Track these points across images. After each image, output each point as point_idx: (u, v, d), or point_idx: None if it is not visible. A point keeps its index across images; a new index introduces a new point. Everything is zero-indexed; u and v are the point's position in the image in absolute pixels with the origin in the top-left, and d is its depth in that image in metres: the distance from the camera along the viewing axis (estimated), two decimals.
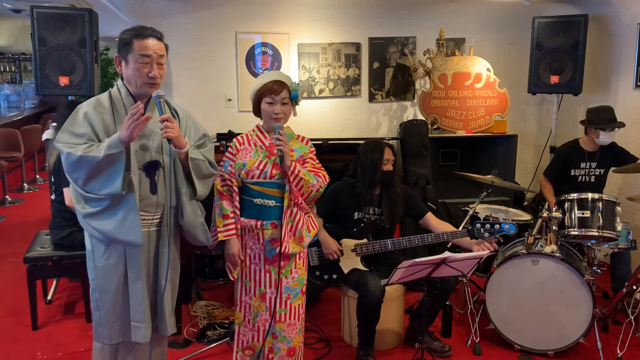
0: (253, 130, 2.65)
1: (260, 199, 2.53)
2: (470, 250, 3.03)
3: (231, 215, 2.56)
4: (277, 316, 2.58)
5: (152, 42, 2.18)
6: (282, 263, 2.53)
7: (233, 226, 2.55)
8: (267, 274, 2.58)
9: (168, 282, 2.32)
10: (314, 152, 2.66)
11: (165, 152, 2.26)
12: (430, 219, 3.34)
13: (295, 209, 2.52)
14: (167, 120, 2.17)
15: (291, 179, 2.47)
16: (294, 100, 2.57)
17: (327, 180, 2.60)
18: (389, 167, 3.23)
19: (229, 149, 2.62)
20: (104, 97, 2.25)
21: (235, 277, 2.63)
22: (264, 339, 2.61)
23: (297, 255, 2.61)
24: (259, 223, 2.54)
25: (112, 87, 2.30)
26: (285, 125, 2.62)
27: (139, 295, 2.25)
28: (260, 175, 2.52)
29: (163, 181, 2.27)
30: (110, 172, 2.11)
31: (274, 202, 2.53)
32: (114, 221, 2.15)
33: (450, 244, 3.47)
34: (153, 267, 2.32)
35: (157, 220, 2.30)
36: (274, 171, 2.51)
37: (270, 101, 2.53)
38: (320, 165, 2.64)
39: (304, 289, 2.66)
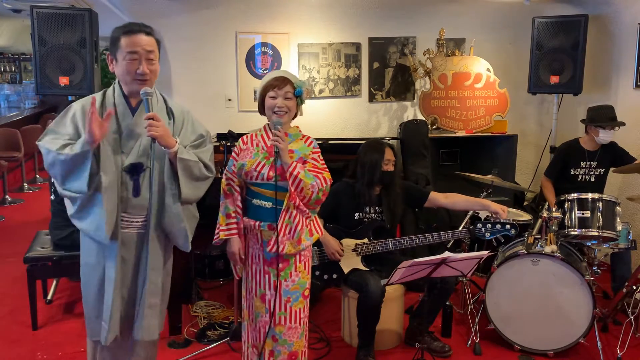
0: (260, 130, 2.62)
1: (258, 200, 2.51)
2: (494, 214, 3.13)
3: (233, 214, 2.55)
4: (277, 319, 2.53)
5: (140, 38, 2.16)
6: (280, 265, 2.50)
7: (235, 225, 2.55)
8: (266, 275, 2.54)
9: (147, 285, 2.26)
10: (319, 153, 2.57)
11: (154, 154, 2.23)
12: (437, 197, 3.29)
13: (294, 212, 2.46)
14: (152, 119, 2.14)
15: (289, 180, 2.42)
16: (298, 97, 2.54)
17: (328, 182, 2.50)
18: (389, 168, 3.21)
19: (234, 148, 2.61)
20: (97, 96, 2.23)
21: (239, 275, 2.63)
22: (264, 340, 2.58)
23: (297, 258, 2.54)
24: (257, 224, 2.52)
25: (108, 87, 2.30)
26: (292, 125, 2.60)
27: (110, 296, 2.23)
28: (258, 177, 2.49)
29: (148, 184, 2.23)
30: (78, 171, 2.12)
31: (270, 203, 2.48)
32: (90, 220, 2.18)
33: (451, 243, 3.47)
34: (134, 269, 2.28)
35: (141, 223, 2.26)
36: (271, 173, 2.46)
37: (273, 95, 2.51)
38: (324, 165, 2.55)
39: (306, 293, 2.57)
